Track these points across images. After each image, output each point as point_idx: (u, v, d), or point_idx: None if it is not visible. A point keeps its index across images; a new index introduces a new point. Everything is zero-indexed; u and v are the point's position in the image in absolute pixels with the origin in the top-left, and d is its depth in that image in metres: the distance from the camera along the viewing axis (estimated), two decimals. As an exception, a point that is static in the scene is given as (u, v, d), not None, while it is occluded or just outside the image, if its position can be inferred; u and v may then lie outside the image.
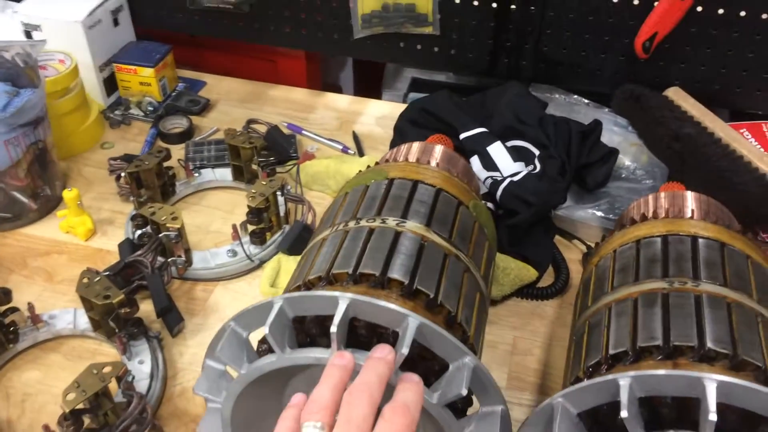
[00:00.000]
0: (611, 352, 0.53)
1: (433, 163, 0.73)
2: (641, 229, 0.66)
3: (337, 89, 1.48)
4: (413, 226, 0.61)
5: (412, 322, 0.48)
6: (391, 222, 0.61)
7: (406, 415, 0.43)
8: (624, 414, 0.44)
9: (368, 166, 0.76)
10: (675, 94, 0.96)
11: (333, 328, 0.47)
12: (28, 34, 1.03)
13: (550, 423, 0.48)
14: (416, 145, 0.77)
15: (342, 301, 0.48)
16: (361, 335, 0.52)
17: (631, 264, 0.62)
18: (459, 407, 0.53)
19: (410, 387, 0.45)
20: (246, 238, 0.84)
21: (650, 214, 0.69)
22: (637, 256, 0.62)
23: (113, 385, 0.63)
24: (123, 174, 0.89)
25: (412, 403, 0.44)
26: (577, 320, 0.63)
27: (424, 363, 0.52)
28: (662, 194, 0.73)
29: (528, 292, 0.81)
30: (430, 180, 0.68)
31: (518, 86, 0.96)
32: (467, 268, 0.61)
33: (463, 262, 0.61)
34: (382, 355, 0.46)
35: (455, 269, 0.60)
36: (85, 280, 0.71)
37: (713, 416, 0.42)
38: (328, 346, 0.49)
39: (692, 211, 0.67)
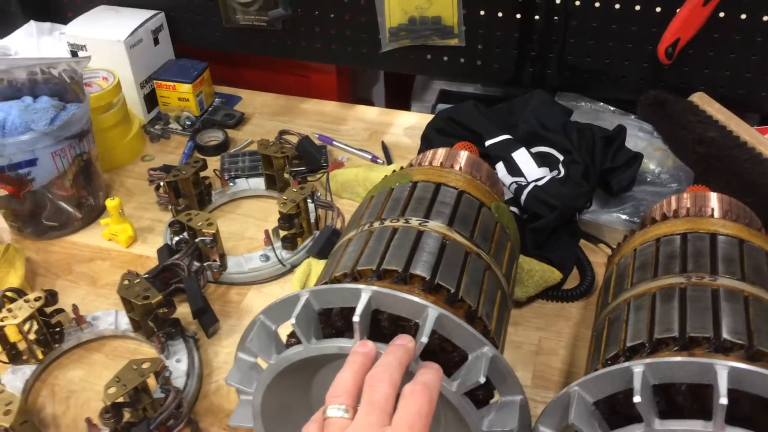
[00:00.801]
0: (629, 344, 0.54)
1: (457, 168, 0.75)
2: (662, 228, 0.67)
3: (370, 103, 1.51)
4: (435, 225, 0.63)
5: (432, 313, 0.50)
6: (414, 222, 0.63)
7: (424, 393, 0.45)
8: (637, 399, 0.45)
9: (393, 171, 0.78)
10: (700, 99, 0.97)
11: (356, 318, 0.49)
12: (74, 54, 1.09)
13: (567, 411, 0.50)
14: (441, 151, 0.79)
15: (365, 293, 0.51)
16: (384, 328, 0.54)
17: (650, 261, 0.63)
18: (480, 398, 0.55)
19: (429, 371, 0.48)
20: (278, 244, 0.87)
21: (672, 214, 0.70)
22: (657, 253, 0.63)
23: (152, 381, 0.66)
24: (162, 183, 0.93)
25: (431, 383, 0.46)
26: (598, 317, 0.65)
27: (444, 355, 0.54)
28: (685, 195, 0.73)
29: (553, 294, 0.82)
30: (453, 183, 0.70)
31: (542, 94, 0.98)
32: (488, 266, 0.63)
33: (485, 260, 0.63)
34: (402, 342, 0.49)
35: (476, 267, 0.62)
36: (126, 282, 0.74)
37: (724, 400, 0.43)
38: (352, 338, 0.51)
39: (713, 209, 0.67)
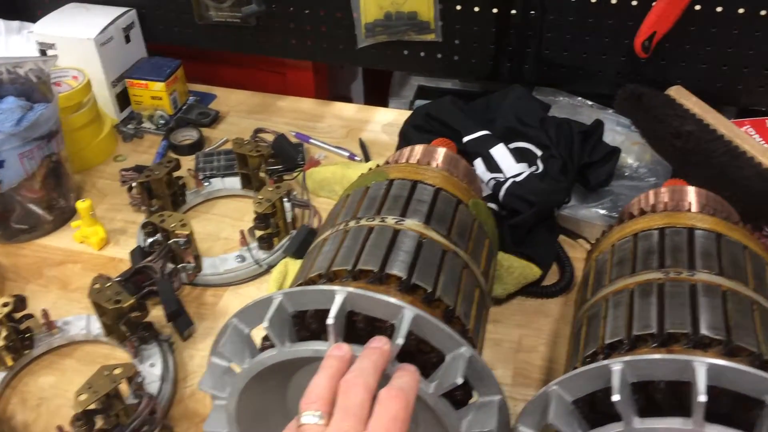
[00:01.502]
0: (607, 341, 0.54)
1: (434, 165, 0.74)
2: (639, 222, 0.67)
3: (348, 100, 1.49)
4: (412, 224, 0.62)
5: (408, 314, 0.49)
6: (390, 220, 0.62)
7: (401, 398, 0.44)
8: (616, 398, 0.44)
9: (370, 169, 0.77)
10: (677, 92, 0.97)
11: (330, 320, 0.48)
12: (43, 53, 1.07)
13: (547, 411, 0.49)
14: (419, 148, 0.78)
15: (339, 294, 0.50)
16: (360, 329, 0.53)
17: (628, 257, 0.62)
18: (458, 399, 0.54)
19: (405, 374, 0.47)
20: (254, 244, 0.86)
21: (649, 209, 0.70)
22: (635, 248, 0.63)
23: (124, 387, 0.65)
24: (134, 184, 0.91)
25: (408, 387, 0.45)
26: (576, 313, 0.64)
27: (422, 356, 0.53)
28: (662, 189, 0.73)
29: (532, 290, 0.82)
30: (429, 180, 0.69)
31: (520, 89, 0.97)
32: (466, 264, 0.62)
33: (462, 258, 0.62)
34: (378, 345, 0.48)
35: (454, 265, 0.61)
36: (97, 286, 0.73)
37: (703, 397, 0.42)
38: (327, 339, 0.50)
39: (690, 203, 0.67)
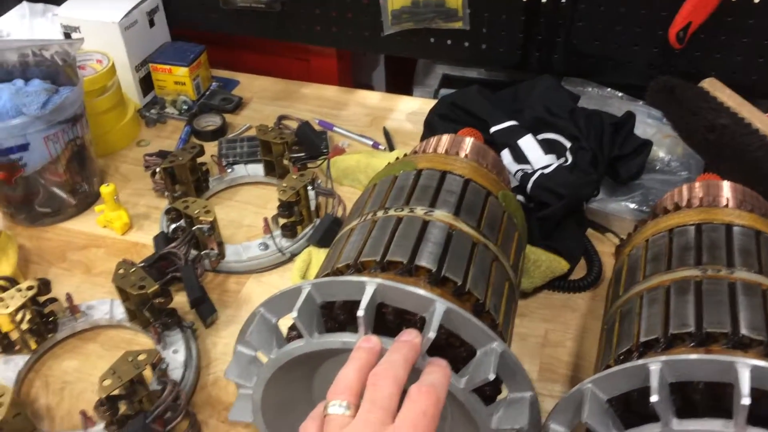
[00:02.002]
0: (642, 339, 0.52)
1: (462, 155, 0.73)
2: (674, 218, 0.65)
3: (370, 88, 1.48)
4: (441, 215, 0.61)
5: (440, 307, 0.48)
6: (419, 211, 0.61)
7: (431, 394, 0.43)
8: (654, 398, 0.43)
9: (397, 158, 0.76)
10: (711, 85, 0.94)
11: (360, 312, 0.47)
12: (68, 36, 1.06)
13: (580, 409, 0.48)
14: (446, 138, 0.77)
15: (369, 286, 0.49)
16: (389, 321, 0.52)
17: (663, 252, 0.61)
18: (488, 394, 0.53)
19: (437, 369, 0.46)
20: (277, 232, 0.85)
21: (684, 204, 0.68)
22: (670, 244, 0.61)
23: (148, 373, 0.64)
24: (158, 170, 0.90)
25: (439, 383, 0.44)
26: (608, 309, 0.63)
27: (452, 350, 0.52)
28: (697, 184, 0.71)
29: (560, 284, 0.80)
30: (458, 170, 0.68)
31: (549, 79, 0.95)
32: (496, 257, 0.61)
33: (492, 251, 0.61)
34: (408, 338, 0.47)
35: (483, 258, 0.59)
36: (121, 271, 0.72)
37: (746, 400, 0.41)
38: (355, 331, 0.49)
39: (727, 199, 0.65)
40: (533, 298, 0.80)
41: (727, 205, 0.65)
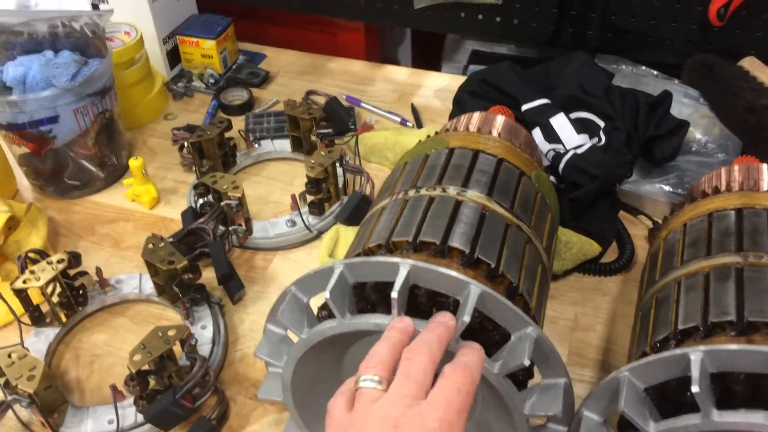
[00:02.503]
0: (680, 327, 0.51)
1: (495, 134, 0.72)
2: (714, 202, 0.63)
3: (395, 63, 1.46)
4: (474, 195, 0.60)
5: (474, 290, 0.47)
6: (452, 191, 0.60)
7: (466, 373, 0.42)
8: (695, 389, 0.42)
9: (428, 136, 0.75)
10: (750, 64, 0.91)
11: (394, 294, 0.46)
12: (96, 7, 1.05)
13: (615, 397, 0.47)
14: (477, 115, 0.76)
15: (403, 267, 0.48)
16: (421, 304, 0.51)
17: (702, 237, 0.59)
18: (520, 379, 0.52)
19: (471, 352, 0.45)
20: (305, 209, 0.84)
21: (723, 187, 0.66)
22: (709, 229, 0.60)
23: (177, 349, 0.64)
24: (186, 144, 0.90)
25: (473, 364, 0.44)
26: (643, 295, 0.61)
27: (485, 334, 0.51)
28: (736, 167, 0.69)
29: (591, 267, 0.79)
30: (491, 150, 0.67)
31: (583, 56, 0.93)
32: (529, 239, 0.60)
33: (525, 233, 0.60)
34: (443, 320, 0.46)
35: (517, 240, 0.58)
36: (150, 246, 0.72)
37: (791, 393, 0.40)
38: (388, 312, 0.49)
39: (769, 183, 0.64)
40: (563, 280, 0.79)
41: (768, 190, 0.63)
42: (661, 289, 0.58)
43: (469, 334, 0.48)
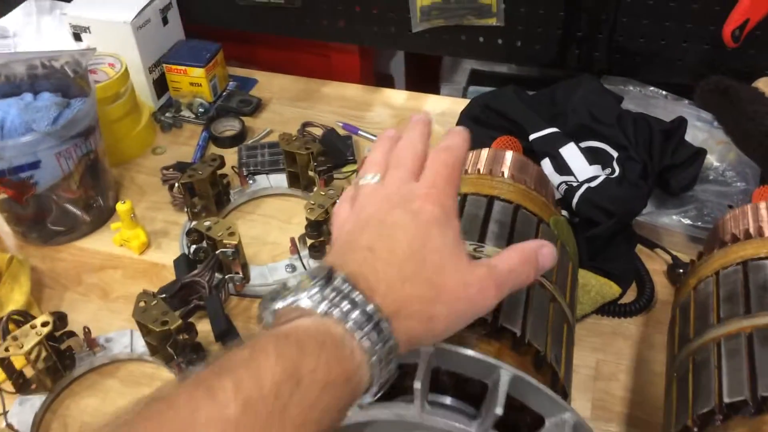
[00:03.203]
0: (726, 400, 0.47)
1: (505, 172, 0.67)
2: (746, 248, 0.59)
3: (388, 78, 1.42)
4: (492, 251, 0.55)
5: (505, 376, 0.43)
6: (468, 247, 0.55)
7: (449, 152, 0.44)
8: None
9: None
10: (766, 85, 0.87)
11: (417, 384, 0.42)
12: (77, 36, 1.00)
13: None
14: (485, 153, 0.71)
15: (424, 349, 0.43)
16: (443, 382, 0.47)
17: (738, 291, 0.55)
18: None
19: (454, 134, 0.46)
20: (305, 252, 0.80)
21: (752, 229, 0.62)
22: (746, 281, 0.55)
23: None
24: (176, 184, 0.85)
25: (455, 145, 0.45)
26: (677, 353, 0.57)
27: (513, 413, 0.47)
28: (762, 206, 0.65)
29: (610, 309, 0.75)
30: (506, 195, 0.62)
31: (592, 80, 0.89)
32: (553, 296, 0.56)
33: (548, 290, 0.56)
34: (420, 118, 0.47)
35: (540, 299, 0.54)
36: (142, 304, 0.67)
37: None
38: (406, 393, 0.44)
39: (804, 227, 0.59)
40: (581, 324, 0.74)
41: (805, 234, 0.59)
42: (698, 350, 0.53)
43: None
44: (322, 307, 0.35)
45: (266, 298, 0.37)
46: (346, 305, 0.36)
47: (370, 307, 0.36)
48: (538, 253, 0.43)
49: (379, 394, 0.38)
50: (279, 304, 0.36)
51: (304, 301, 0.36)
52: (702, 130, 0.88)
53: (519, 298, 0.52)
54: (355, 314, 0.36)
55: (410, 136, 0.46)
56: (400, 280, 0.38)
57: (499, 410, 0.41)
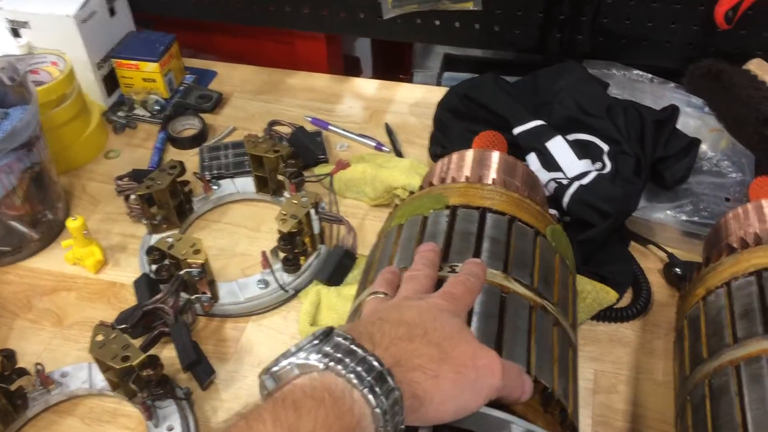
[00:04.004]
0: (754, 435, 0.43)
1: (494, 176, 0.62)
2: (758, 255, 0.55)
3: (355, 61, 1.34)
4: (489, 273, 0.50)
5: (516, 431, 0.38)
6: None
7: (468, 277, 0.46)
8: None
9: (421, 187, 0.65)
10: (758, 66, 0.83)
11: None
12: (15, 32, 0.91)
13: None
14: (470, 156, 0.66)
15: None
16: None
17: (755, 307, 0.51)
18: None
19: (474, 264, 0.47)
20: (277, 265, 0.73)
21: (760, 231, 0.58)
22: (761, 295, 0.51)
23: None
24: (133, 196, 0.78)
25: (474, 275, 0.46)
26: (689, 374, 0.53)
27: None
28: (765, 204, 0.62)
29: (606, 314, 0.70)
30: (498, 205, 0.57)
31: (578, 68, 0.83)
32: (556, 320, 0.51)
33: (551, 314, 0.51)
34: (426, 248, 0.50)
35: (544, 326, 0.49)
36: (99, 338, 0.61)
37: None
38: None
39: (818, 230, 0.55)
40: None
41: (819, 238, 0.55)
42: (715, 374, 0.49)
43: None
44: (322, 362, 0.34)
45: (265, 366, 0.36)
46: (346, 358, 0.35)
47: (371, 358, 0.35)
48: (524, 379, 0.43)
49: None
50: (278, 366, 0.35)
51: (303, 358, 0.35)
52: (693, 117, 0.84)
53: (521, 328, 0.47)
54: (356, 366, 0.35)
55: (417, 268, 0.48)
56: (408, 338, 0.38)
57: (513, 475, 0.36)
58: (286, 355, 0.35)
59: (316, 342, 0.35)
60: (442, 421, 0.38)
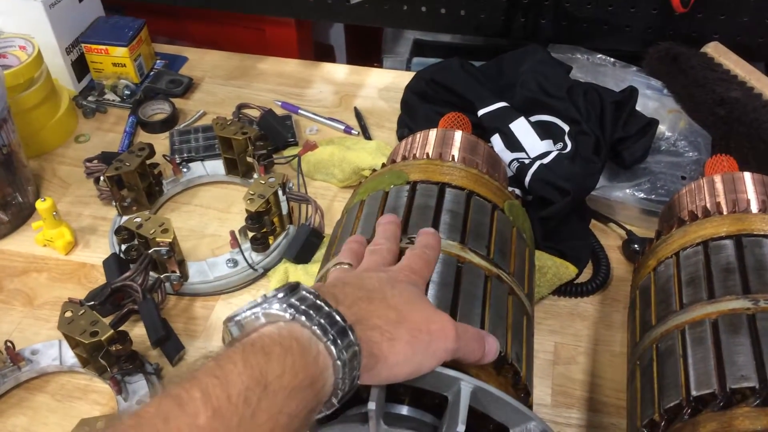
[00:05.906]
0: (694, 393, 0.45)
1: (456, 154, 0.64)
2: (705, 227, 0.57)
3: (328, 49, 1.36)
4: (446, 244, 0.52)
5: (466, 388, 0.39)
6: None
7: (424, 251, 0.48)
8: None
9: (383, 165, 0.66)
10: (715, 50, 0.86)
11: (371, 405, 0.38)
12: (-18, 17, 0.91)
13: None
14: (433, 135, 0.68)
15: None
16: (400, 393, 0.43)
17: (701, 275, 0.53)
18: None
19: (427, 235, 0.50)
20: (246, 245, 0.75)
21: (709, 205, 0.60)
22: (707, 263, 0.54)
23: None
24: (102, 178, 0.78)
25: (429, 246, 0.49)
26: (638, 339, 0.55)
27: (474, 420, 0.44)
28: (717, 179, 0.64)
29: (566, 289, 0.72)
30: (457, 181, 0.59)
31: (540, 51, 0.85)
32: (511, 289, 0.53)
33: (506, 283, 0.52)
34: (388, 219, 0.52)
35: (499, 295, 0.51)
36: (68, 314, 0.62)
37: None
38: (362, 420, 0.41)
39: (763, 202, 0.58)
40: (538, 306, 0.72)
41: (762, 209, 0.57)
42: (662, 338, 0.51)
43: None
44: (288, 313, 0.35)
45: (230, 314, 0.37)
46: (311, 311, 0.36)
47: (334, 313, 0.37)
48: (486, 340, 0.44)
49: (342, 401, 0.37)
50: (244, 314, 0.36)
51: (270, 308, 0.36)
52: (652, 99, 0.86)
53: (476, 295, 0.49)
54: (321, 319, 0.36)
55: (381, 231, 0.51)
56: (367, 300, 0.40)
57: (461, 428, 0.38)
58: (252, 305, 0.36)
59: (282, 295, 0.36)
60: (396, 380, 0.40)
